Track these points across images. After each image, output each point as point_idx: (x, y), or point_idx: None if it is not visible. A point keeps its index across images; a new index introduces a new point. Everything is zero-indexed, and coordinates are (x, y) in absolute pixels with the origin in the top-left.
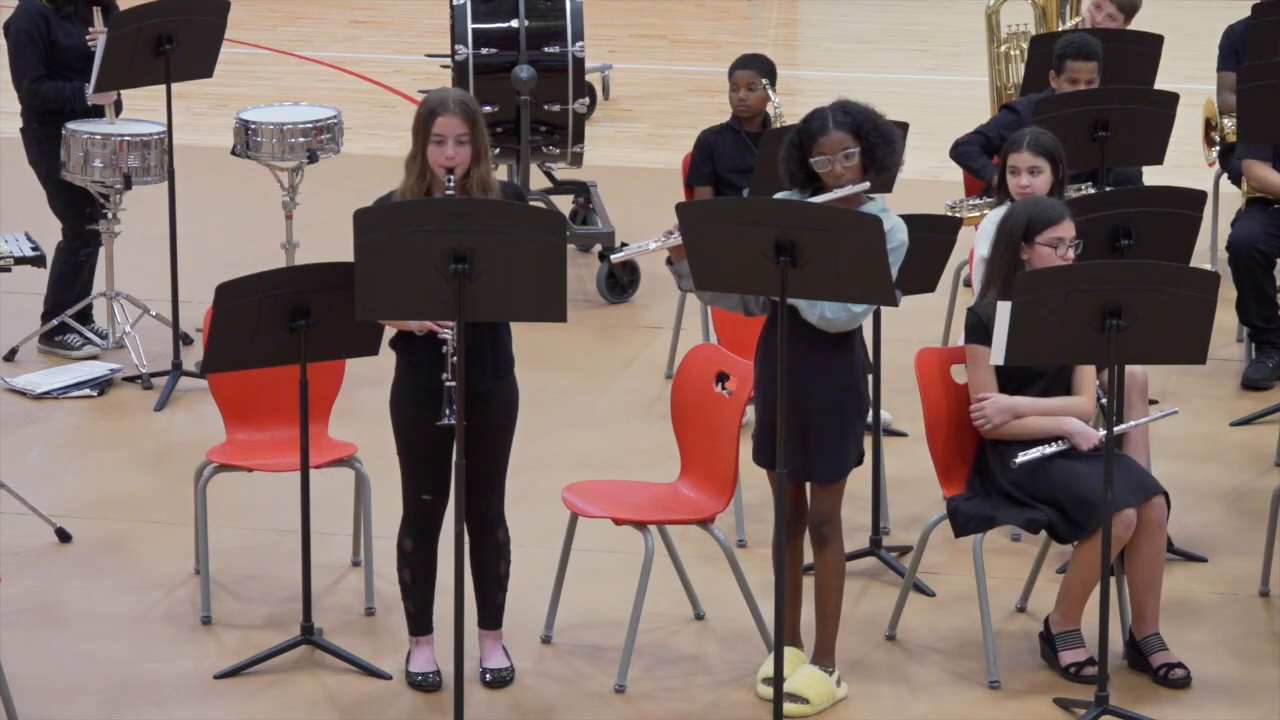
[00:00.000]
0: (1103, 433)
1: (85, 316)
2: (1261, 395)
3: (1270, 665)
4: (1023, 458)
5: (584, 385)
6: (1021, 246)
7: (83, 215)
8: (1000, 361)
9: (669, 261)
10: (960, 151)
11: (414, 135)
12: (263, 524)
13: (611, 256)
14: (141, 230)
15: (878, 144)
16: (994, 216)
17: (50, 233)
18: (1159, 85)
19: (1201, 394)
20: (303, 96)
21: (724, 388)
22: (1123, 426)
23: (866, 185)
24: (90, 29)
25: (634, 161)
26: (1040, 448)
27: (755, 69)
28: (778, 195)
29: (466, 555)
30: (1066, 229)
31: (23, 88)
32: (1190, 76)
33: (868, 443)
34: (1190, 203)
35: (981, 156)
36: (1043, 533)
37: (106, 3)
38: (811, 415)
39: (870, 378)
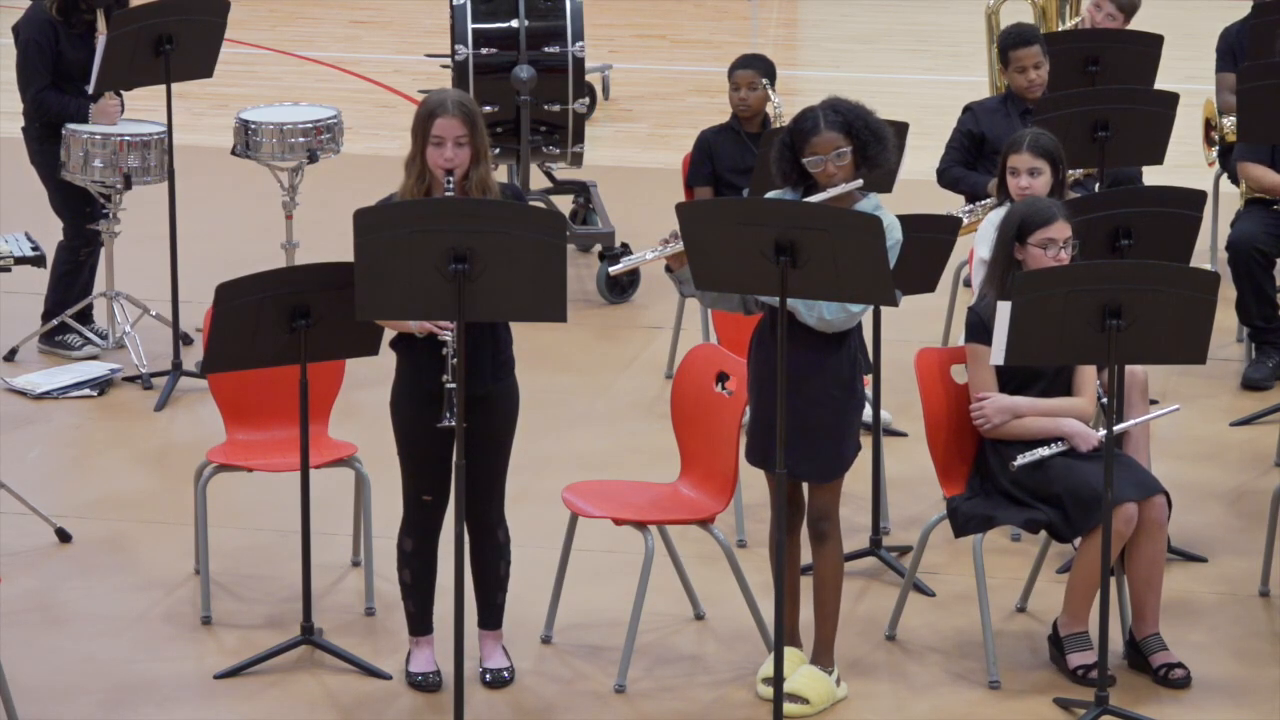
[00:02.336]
0: (1102, 433)
1: (85, 316)
2: (1261, 395)
3: (1270, 665)
4: (1022, 460)
5: (584, 385)
6: (1016, 246)
7: (83, 215)
8: (1000, 361)
9: (668, 269)
10: (948, 179)
11: (413, 136)
12: (263, 524)
13: (610, 269)
14: (141, 230)
15: (870, 142)
16: (994, 217)
17: (50, 233)
18: (1159, 85)
19: (1201, 394)
20: (303, 96)
21: (724, 388)
22: (1123, 425)
23: (859, 183)
24: (95, 32)
25: (634, 161)
26: (1039, 449)
27: (755, 69)
28: (770, 195)
29: (466, 556)
30: (1058, 230)
31: (28, 97)
32: (1190, 76)
33: (867, 442)
34: (1190, 203)
35: (968, 174)
36: (1043, 533)
37: (109, 7)
38: (808, 414)
39: (869, 377)
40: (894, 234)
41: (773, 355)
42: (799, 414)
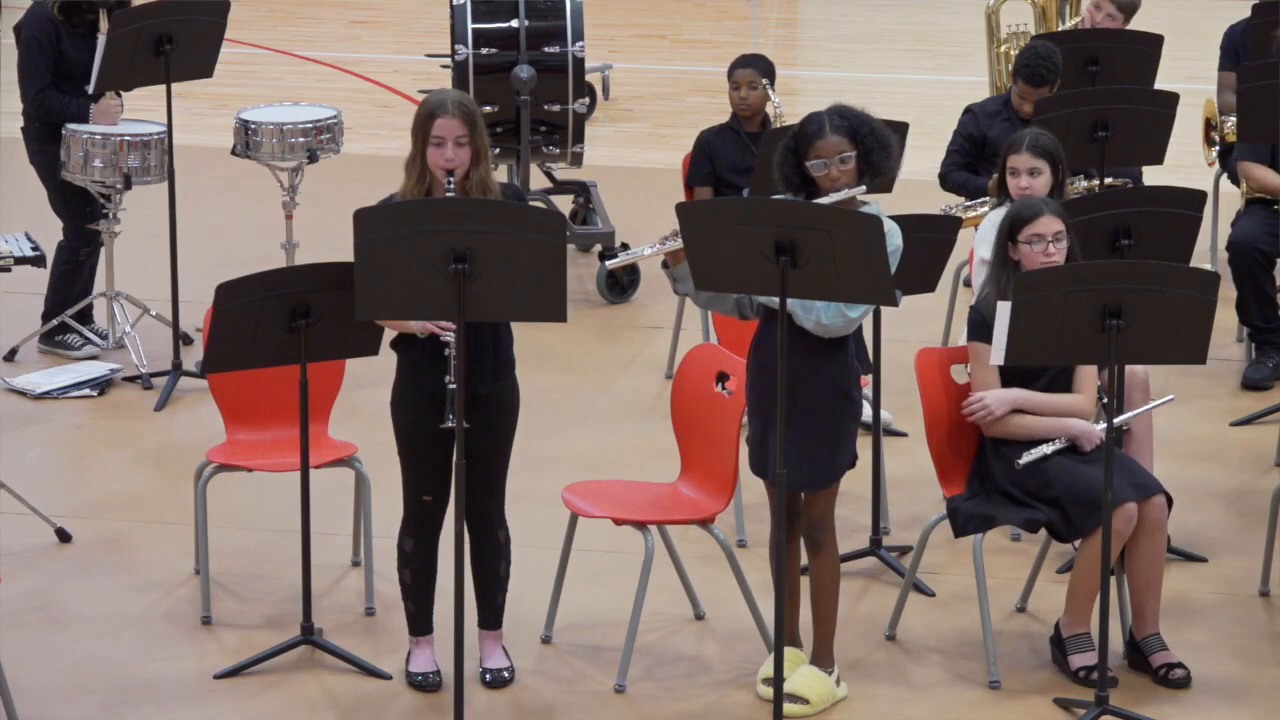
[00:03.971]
0: (1102, 427)
1: (85, 316)
2: (1261, 395)
3: (1270, 665)
4: (1027, 458)
5: (584, 385)
6: (1010, 246)
7: (83, 215)
8: (1000, 361)
9: (664, 265)
10: (950, 183)
11: (413, 137)
12: (263, 524)
13: (608, 263)
14: (141, 230)
15: (874, 148)
16: (993, 217)
17: (50, 233)
18: (1159, 85)
19: (1201, 394)
20: (303, 96)
21: (724, 388)
22: (1122, 418)
23: (862, 189)
24: (97, 32)
25: (634, 161)
26: (1043, 447)
27: (755, 68)
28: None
29: (467, 556)
30: (1045, 225)
31: (29, 96)
32: (1190, 76)
33: (868, 442)
34: (1190, 203)
35: (971, 178)
36: (1043, 532)
37: (112, 6)
38: (804, 420)
39: (869, 379)
40: (894, 240)
41: (770, 362)
42: (795, 421)
